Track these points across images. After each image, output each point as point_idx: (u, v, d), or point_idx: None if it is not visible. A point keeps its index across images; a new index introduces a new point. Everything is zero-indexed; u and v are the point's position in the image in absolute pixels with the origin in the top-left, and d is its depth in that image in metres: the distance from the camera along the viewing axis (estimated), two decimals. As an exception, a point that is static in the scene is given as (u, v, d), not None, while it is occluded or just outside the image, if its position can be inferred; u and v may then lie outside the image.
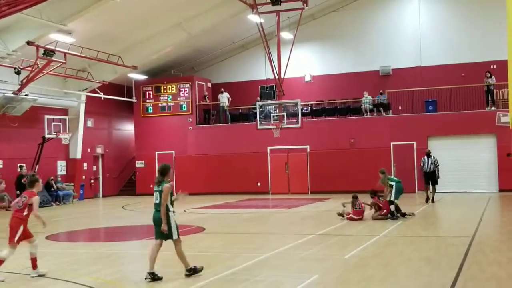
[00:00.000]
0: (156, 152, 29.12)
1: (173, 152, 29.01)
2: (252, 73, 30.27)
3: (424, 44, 27.41)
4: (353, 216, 14.88)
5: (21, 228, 8.26)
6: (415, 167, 24.48)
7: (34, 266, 8.38)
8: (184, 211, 19.10)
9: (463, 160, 24.33)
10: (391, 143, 25.56)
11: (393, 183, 15.05)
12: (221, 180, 27.88)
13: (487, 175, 24.15)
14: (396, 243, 11.03)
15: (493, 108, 24.46)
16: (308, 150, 26.80)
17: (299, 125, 22.33)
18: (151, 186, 8.86)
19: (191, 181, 27.59)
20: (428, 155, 19.93)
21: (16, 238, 8.21)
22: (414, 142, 25.24)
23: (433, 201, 19.69)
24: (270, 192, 27.25)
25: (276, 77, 23.44)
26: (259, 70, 30.06)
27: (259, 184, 27.38)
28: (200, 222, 15.63)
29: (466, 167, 24.33)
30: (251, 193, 27.01)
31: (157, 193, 7.86)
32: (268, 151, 27.41)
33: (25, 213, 8.30)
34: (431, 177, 19.68)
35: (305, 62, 29.26)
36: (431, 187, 19.79)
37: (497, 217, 15.97)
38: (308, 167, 26.68)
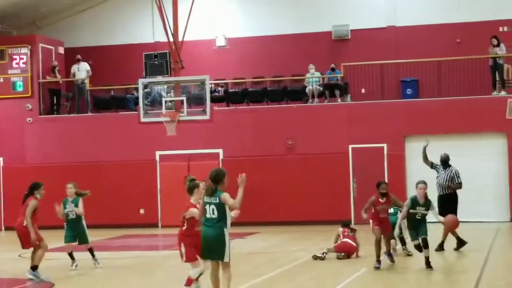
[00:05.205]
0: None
1: (0, 159, 28.36)
2: (131, 33, 30.04)
3: (400, -7, 28.20)
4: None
5: (183, 247, 11.29)
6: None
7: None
8: (20, 255, 18.57)
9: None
10: (350, 146, 26.04)
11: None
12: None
13: (494, 196, 25.09)
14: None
15: (502, 93, 25.44)
16: (221, 156, 26.86)
17: (207, 117, 22.32)
18: None
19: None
20: (445, 163, 18.20)
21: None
22: (385, 145, 25.84)
23: (461, 243, 17.71)
24: (160, 225, 27.12)
25: (171, 39, 23.28)
26: (143, 28, 29.92)
27: (142, 211, 27.04)
28: (47, 274, 15.26)
29: (463, 184, 24.98)
30: (129, 225, 26.68)
31: (213, 206, 10.30)
32: (158, 158, 27.24)
33: (185, 228, 11.36)
34: (445, 203, 18.06)
35: (217, 17, 29.34)
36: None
37: (508, 262, 16.48)
38: (221, 184, 26.62)
